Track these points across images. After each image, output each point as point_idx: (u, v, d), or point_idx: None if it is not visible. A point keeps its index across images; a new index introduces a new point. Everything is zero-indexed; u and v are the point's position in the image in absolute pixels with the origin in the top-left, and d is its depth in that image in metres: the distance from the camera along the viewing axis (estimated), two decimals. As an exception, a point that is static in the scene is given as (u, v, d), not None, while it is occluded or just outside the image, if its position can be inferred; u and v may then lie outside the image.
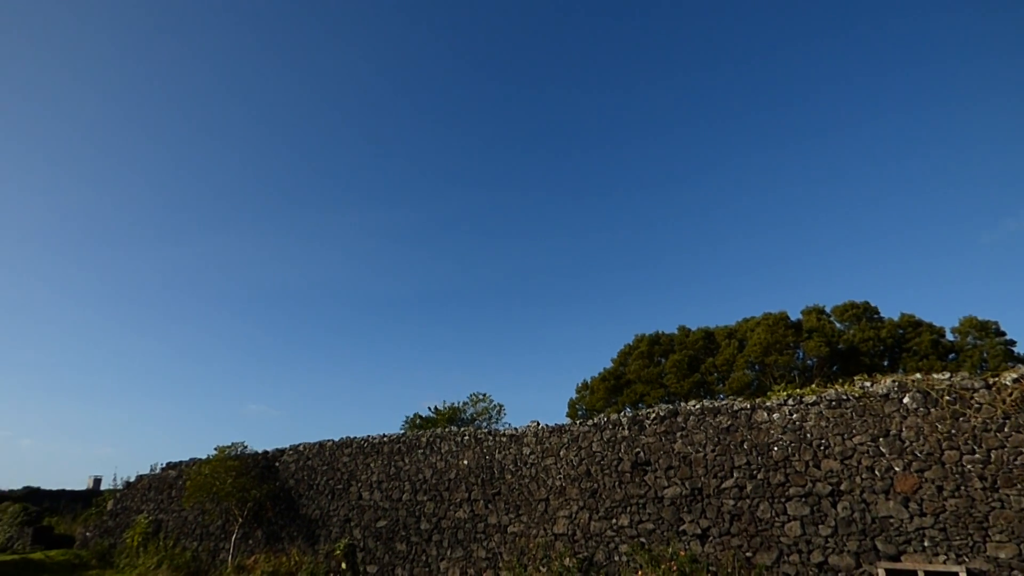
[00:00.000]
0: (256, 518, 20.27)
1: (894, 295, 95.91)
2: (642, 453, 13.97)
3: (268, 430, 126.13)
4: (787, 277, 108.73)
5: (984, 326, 31.19)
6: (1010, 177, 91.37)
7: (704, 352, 35.92)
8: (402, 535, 16.97)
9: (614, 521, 13.75)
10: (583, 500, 14.36)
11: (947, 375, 11.30)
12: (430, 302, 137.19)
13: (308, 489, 19.80)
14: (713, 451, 13.03)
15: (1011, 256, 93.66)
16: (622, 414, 14.98)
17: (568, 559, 13.73)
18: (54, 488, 41.60)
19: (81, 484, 45.63)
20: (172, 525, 22.50)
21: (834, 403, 12.06)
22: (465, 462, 16.77)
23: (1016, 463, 10.00)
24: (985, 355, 30.19)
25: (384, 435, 19.24)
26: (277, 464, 21.10)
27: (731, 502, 12.41)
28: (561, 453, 15.22)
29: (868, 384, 12.03)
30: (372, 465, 18.71)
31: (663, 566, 12.30)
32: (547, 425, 16.07)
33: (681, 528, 12.80)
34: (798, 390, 13.17)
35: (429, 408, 28.13)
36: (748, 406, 13.08)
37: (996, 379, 10.79)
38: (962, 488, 10.30)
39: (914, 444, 10.95)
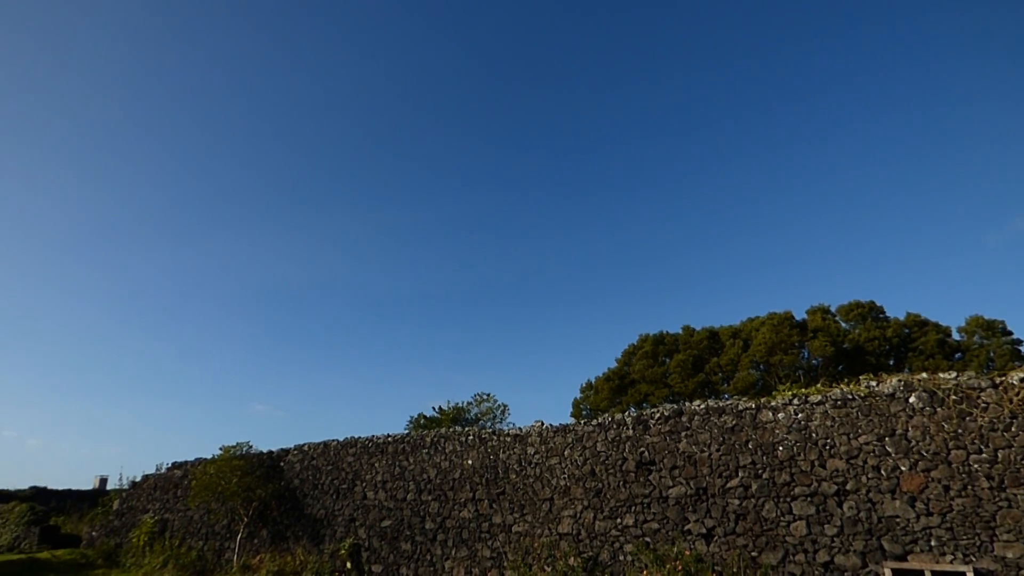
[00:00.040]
0: (261, 518, 20.31)
1: (900, 294, 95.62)
2: (647, 453, 13.94)
3: (273, 430, 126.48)
4: (792, 277, 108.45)
5: (990, 325, 31.02)
6: (1016, 176, 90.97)
7: (709, 352, 35.82)
8: (407, 535, 16.97)
9: (619, 521, 13.72)
10: (587, 500, 14.34)
11: (953, 374, 11.24)
12: (434, 302, 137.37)
13: (313, 489, 19.83)
14: (718, 451, 13.00)
15: (1017, 255, 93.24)
16: (626, 414, 14.95)
17: (573, 559, 13.71)
18: (60, 488, 41.82)
19: (87, 484, 45.85)
20: (178, 525, 22.56)
21: (839, 403, 12.01)
22: (469, 462, 16.77)
23: (1023, 462, 9.95)
24: (991, 354, 30.02)
25: (388, 435, 19.26)
26: (282, 464, 21.14)
27: (736, 502, 12.38)
28: (565, 453, 15.20)
29: (874, 384, 11.98)
30: (376, 465, 18.73)
31: (668, 566, 12.26)
32: (551, 425, 16.06)
33: (686, 528, 12.77)
34: (803, 390, 13.13)
35: (433, 408, 28.17)
36: (753, 406, 13.04)
37: (1003, 378, 10.73)
38: (969, 488, 10.25)
39: (920, 444, 10.90)
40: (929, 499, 10.52)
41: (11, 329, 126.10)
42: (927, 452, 10.78)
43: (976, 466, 10.30)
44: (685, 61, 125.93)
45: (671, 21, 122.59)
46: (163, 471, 25.06)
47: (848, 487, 11.30)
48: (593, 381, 39.60)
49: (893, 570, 10.44)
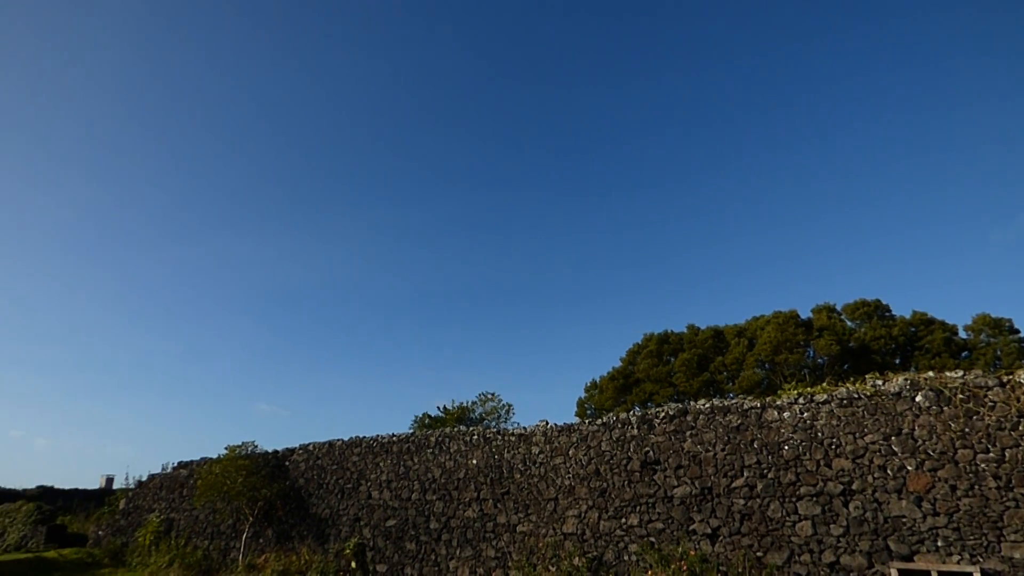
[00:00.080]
0: (266, 517, 20.37)
1: (906, 293, 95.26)
2: (651, 452, 13.91)
3: (277, 430, 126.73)
4: (797, 275, 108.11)
5: (997, 324, 30.89)
6: (1023, 174, 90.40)
7: (713, 351, 35.77)
8: (411, 534, 16.99)
9: (623, 520, 13.70)
10: (592, 499, 14.33)
11: (960, 373, 11.18)
12: (438, 301, 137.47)
13: (318, 488, 19.88)
14: (723, 450, 12.96)
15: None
16: (631, 413, 14.93)
17: (577, 558, 13.70)
18: (67, 487, 41.98)
19: (94, 483, 46.06)
20: (183, 524, 22.65)
21: (845, 402, 11.96)
22: (474, 461, 16.78)
23: (1031, 462, 9.89)
24: (999, 353, 29.89)
25: (393, 434, 19.28)
26: (287, 463, 21.20)
27: (741, 501, 12.34)
28: (570, 452, 15.19)
29: (880, 382, 11.92)
30: (381, 464, 18.75)
31: (673, 566, 12.24)
32: (556, 424, 16.05)
33: (691, 528, 12.74)
34: (809, 389, 13.06)
35: (438, 407, 28.17)
36: (758, 405, 12.99)
37: (1010, 377, 10.66)
38: (976, 487, 10.18)
39: (927, 443, 10.84)
40: (936, 499, 10.46)
41: (17, 328, 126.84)
42: (934, 451, 10.72)
43: (983, 466, 10.23)
44: (689, 60, 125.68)
45: (676, 19, 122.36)
46: (169, 471, 25.16)
47: (854, 487, 11.25)
48: (598, 380, 39.61)
49: (899, 570, 10.39)
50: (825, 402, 12.18)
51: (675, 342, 37.53)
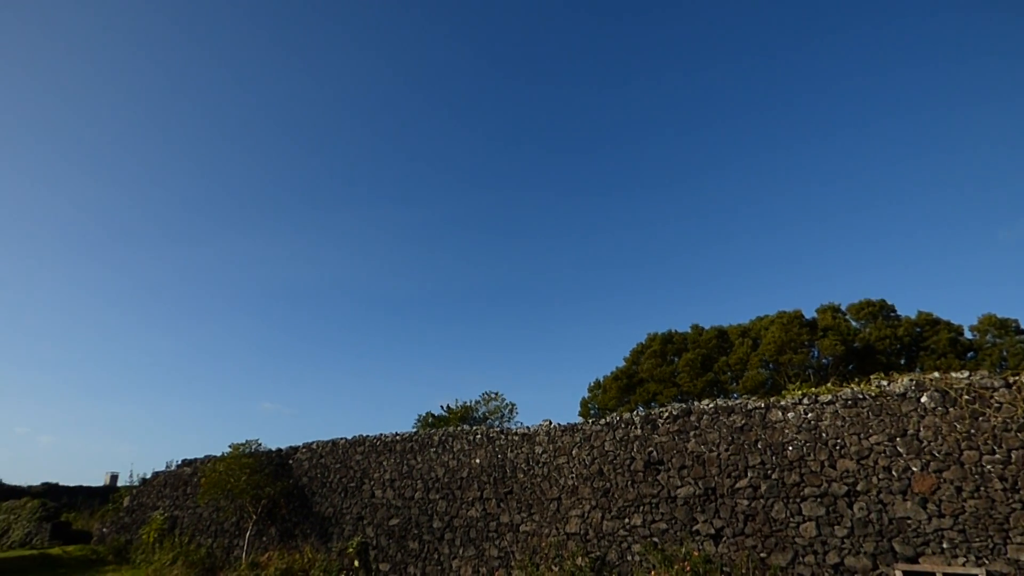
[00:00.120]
0: (270, 515, 20.41)
1: (911, 293, 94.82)
2: (655, 452, 13.88)
3: (281, 428, 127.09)
4: (801, 275, 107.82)
5: (1003, 324, 30.71)
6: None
7: (717, 351, 35.66)
8: (414, 533, 17.00)
9: (627, 521, 13.67)
10: (595, 499, 14.30)
11: (966, 374, 11.11)
12: (442, 301, 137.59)
13: (321, 487, 19.90)
14: (727, 450, 12.92)
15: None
16: (635, 413, 14.89)
17: (580, 558, 13.67)
18: (72, 484, 42.14)
19: (98, 480, 46.19)
20: (187, 522, 22.71)
21: (850, 402, 11.90)
22: (477, 461, 16.77)
23: (1038, 464, 9.82)
24: (1005, 354, 29.72)
25: (397, 433, 19.29)
26: (291, 462, 21.23)
27: (745, 502, 12.30)
28: (573, 452, 15.16)
29: (885, 383, 11.86)
30: (385, 463, 18.76)
31: (676, 566, 12.21)
32: (559, 424, 16.03)
33: (694, 528, 12.70)
34: (813, 389, 13.01)
35: (441, 407, 28.18)
36: (762, 405, 12.94)
37: (1016, 378, 10.58)
38: (982, 489, 10.12)
39: (932, 444, 10.78)
40: (941, 500, 10.40)
41: (23, 326, 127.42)
42: (939, 453, 10.67)
43: (989, 467, 10.17)
44: (695, 59, 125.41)
45: (682, 17, 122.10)
46: (173, 468, 25.23)
47: (859, 488, 11.20)
48: (601, 380, 39.54)
49: (904, 572, 10.34)
50: (830, 403, 12.12)
51: (679, 342, 37.44)
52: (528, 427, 16.50)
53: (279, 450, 21.92)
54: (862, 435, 11.52)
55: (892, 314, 33.73)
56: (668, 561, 12.47)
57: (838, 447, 11.69)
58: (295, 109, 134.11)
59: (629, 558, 13.30)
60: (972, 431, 10.49)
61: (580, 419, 16.91)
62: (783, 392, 13.63)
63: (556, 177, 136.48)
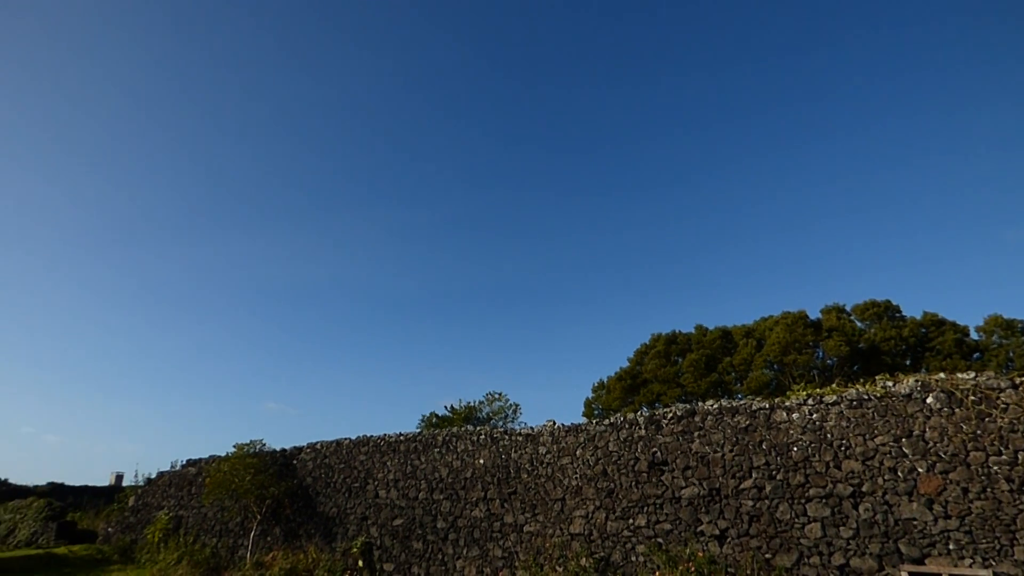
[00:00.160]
0: (274, 515, 20.44)
1: (917, 294, 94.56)
2: (659, 453, 13.85)
3: (286, 428, 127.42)
4: (806, 276, 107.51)
5: (1010, 325, 30.56)
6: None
7: (722, 351, 35.58)
8: (418, 533, 17.00)
9: (631, 521, 13.65)
10: (599, 500, 14.28)
11: (972, 375, 11.05)
12: (446, 301, 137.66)
13: (325, 487, 19.92)
14: (731, 451, 12.88)
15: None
16: (639, 414, 14.87)
17: (584, 559, 13.65)
18: (77, 484, 42.29)
19: (104, 480, 46.36)
20: (192, 521, 22.76)
21: (855, 403, 11.86)
22: (481, 461, 16.76)
23: (1044, 465, 9.76)
24: (1011, 354, 29.57)
25: (400, 434, 19.30)
26: (295, 462, 21.26)
27: (750, 503, 12.26)
28: (577, 453, 15.14)
29: (890, 384, 11.81)
30: (389, 463, 18.77)
31: (681, 567, 12.17)
32: (563, 424, 16.01)
33: (699, 529, 12.67)
34: (818, 390, 12.97)
35: (445, 407, 28.22)
36: (767, 406, 12.90)
37: (1023, 379, 10.53)
38: (988, 490, 10.07)
39: (938, 445, 10.73)
40: (947, 501, 10.35)
41: (29, 326, 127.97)
42: (945, 454, 10.61)
43: (995, 468, 10.11)
44: (700, 58, 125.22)
45: (688, 16, 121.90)
46: (178, 468, 25.29)
47: (864, 489, 11.15)
48: (605, 381, 39.50)
49: (910, 573, 10.28)
50: (834, 403, 12.08)
51: (683, 342, 37.38)
52: (532, 427, 16.48)
53: (283, 450, 21.95)
54: (867, 436, 11.47)
55: (897, 315, 33.60)
56: (672, 562, 12.44)
57: (843, 448, 11.65)
58: (298, 110, 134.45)
59: (633, 559, 13.27)
60: (978, 432, 10.44)
61: (584, 419, 16.88)
62: (787, 393, 13.59)
63: (559, 177, 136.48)
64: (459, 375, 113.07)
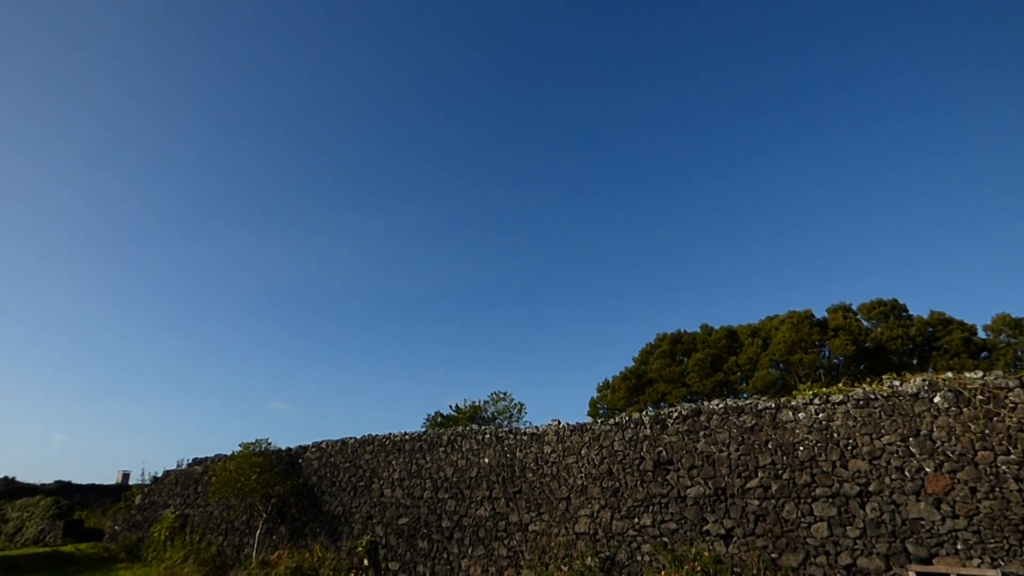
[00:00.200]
0: (280, 514, 20.49)
1: (923, 293, 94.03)
2: (664, 452, 13.82)
3: (291, 427, 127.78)
4: (812, 275, 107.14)
5: (1018, 323, 30.36)
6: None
7: (727, 351, 35.48)
8: (424, 533, 17.01)
9: (636, 520, 13.62)
10: (605, 499, 14.25)
11: (980, 374, 10.98)
12: (451, 300, 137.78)
13: (331, 486, 19.96)
14: (737, 450, 12.84)
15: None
16: (644, 413, 14.83)
17: (590, 558, 13.64)
18: (84, 482, 42.52)
19: (110, 478, 46.52)
20: (198, 520, 22.84)
21: (862, 402, 11.80)
22: (486, 460, 16.76)
23: (1054, 465, 9.69)
24: (1019, 353, 29.39)
25: (406, 433, 19.31)
26: (300, 461, 21.30)
27: (756, 502, 12.21)
28: (582, 452, 15.12)
29: (897, 383, 11.75)
30: (394, 463, 18.79)
31: (686, 566, 12.14)
32: (568, 424, 15.99)
33: (704, 528, 12.63)
34: (824, 389, 12.91)
35: (450, 406, 28.18)
36: (773, 405, 12.85)
37: (1032, 378, 10.46)
38: (997, 490, 10.00)
39: (946, 444, 10.66)
40: (955, 501, 10.29)
41: (35, 326, 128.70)
42: (952, 453, 10.55)
43: (1004, 467, 10.05)
44: (705, 58, 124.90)
45: (689, 16, 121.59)
46: (184, 467, 25.39)
47: (871, 488, 11.10)
48: (610, 380, 39.44)
49: (918, 573, 10.23)
50: (841, 403, 12.02)
51: (688, 342, 37.28)
52: (537, 427, 16.47)
53: (289, 449, 22.00)
54: (874, 435, 11.41)
55: (904, 314, 33.43)
56: (678, 561, 12.41)
57: (850, 447, 11.59)
58: (303, 109, 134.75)
59: (639, 558, 13.25)
60: (986, 431, 10.37)
61: (589, 419, 16.88)
62: (794, 392, 13.53)
63: (565, 176, 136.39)
64: (464, 374, 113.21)
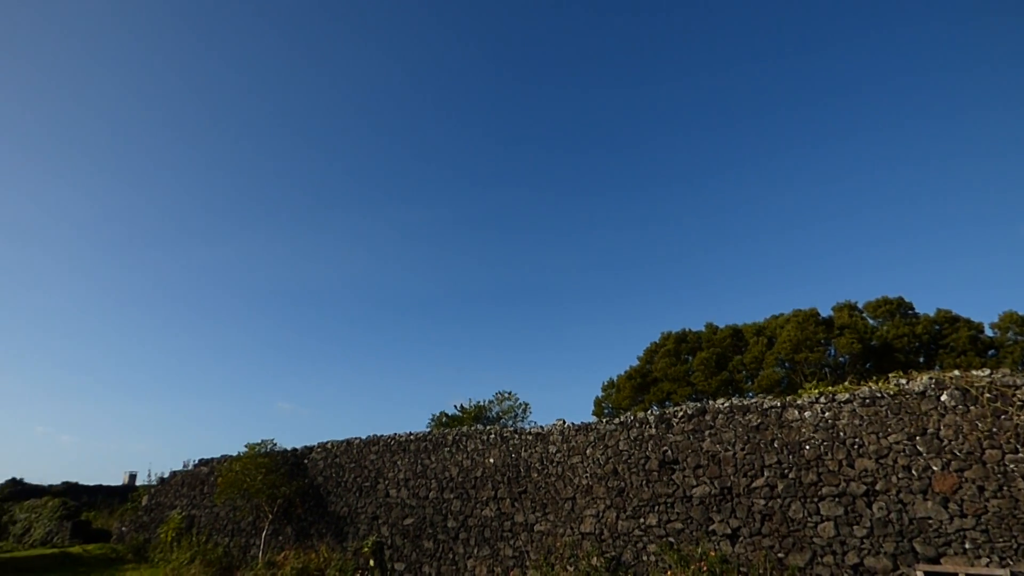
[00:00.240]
0: (286, 514, 20.53)
1: (930, 291, 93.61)
2: (670, 452, 13.78)
3: (297, 428, 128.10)
4: (817, 274, 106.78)
5: (1025, 321, 30.16)
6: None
7: (732, 350, 35.37)
8: (429, 533, 17.02)
9: (642, 520, 13.59)
10: (610, 499, 14.23)
11: (987, 372, 10.91)
12: (457, 300, 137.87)
13: (336, 486, 19.98)
14: (743, 450, 12.80)
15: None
16: (649, 412, 14.80)
17: (595, 558, 13.61)
18: (91, 483, 42.73)
19: (117, 480, 46.81)
20: (204, 521, 22.91)
21: (868, 401, 11.74)
22: (491, 460, 16.75)
23: (1062, 463, 9.62)
24: (1027, 351, 29.19)
25: (411, 433, 19.32)
26: (306, 461, 21.34)
27: (762, 502, 12.17)
28: (587, 452, 15.10)
29: (904, 381, 11.68)
30: (399, 463, 18.80)
31: (692, 566, 12.11)
32: (573, 424, 15.97)
33: (710, 528, 12.59)
34: (830, 388, 12.85)
35: (455, 406, 28.16)
36: (778, 404, 12.80)
37: (1040, 376, 10.39)
38: (1005, 488, 9.94)
39: (953, 443, 10.60)
40: (963, 500, 10.22)
41: (44, 326, 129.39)
42: (960, 452, 10.49)
43: (1012, 466, 9.98)
44: (708, 57, 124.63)
45: (689, 16, 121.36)
46: (190, 468, 25.47)
47: (878, 487, 11.04)
48: (615, 379, 39.37)
49: (925, 573, 10.17)
50: (847, 401, 11.97)
51: (693, 341, 37.19)
52: (542, 427, 16.46)
53: (294, 450, 22.04)
54: (881, 434, 11.35)
55: (910, 312, 33.26)
56: (684, 561, 12.38)
57: (856, 446, 11.54)
58: (308, 111, 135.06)
59: (645, 558, 13.22)
60: (994, 430, 10.30)
61: (594, 418, 16.84)
62: (799, 391, 13.47)
63: (569, 176, 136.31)
64: (468, 374, 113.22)
